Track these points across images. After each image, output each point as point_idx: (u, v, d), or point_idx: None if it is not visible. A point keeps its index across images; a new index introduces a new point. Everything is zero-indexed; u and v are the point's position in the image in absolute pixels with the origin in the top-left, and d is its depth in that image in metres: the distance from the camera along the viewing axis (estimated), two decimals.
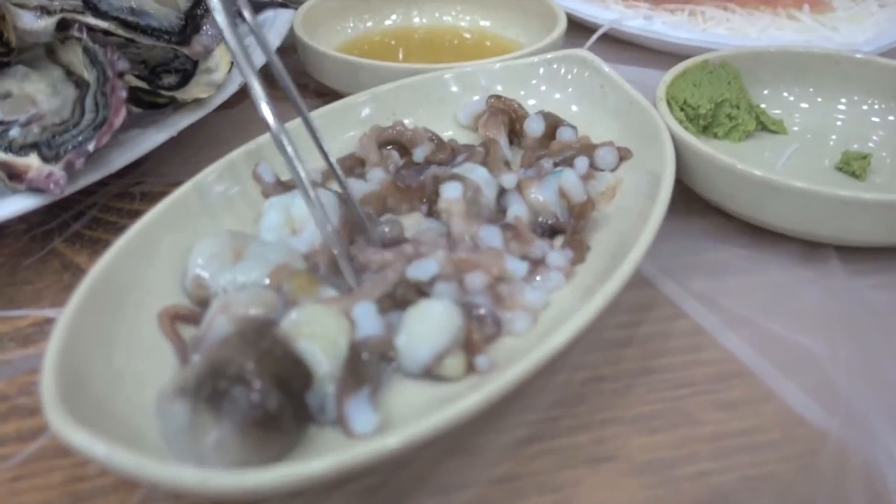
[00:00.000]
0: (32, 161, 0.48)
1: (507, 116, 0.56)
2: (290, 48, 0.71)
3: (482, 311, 0.40)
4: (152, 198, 0.57)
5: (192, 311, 0.41)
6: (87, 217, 0.56)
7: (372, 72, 0.64)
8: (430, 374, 0.38)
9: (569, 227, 0.47)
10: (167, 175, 0.59)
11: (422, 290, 0.41)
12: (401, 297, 0.41)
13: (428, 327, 0.37)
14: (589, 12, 0.76)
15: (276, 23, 0.72)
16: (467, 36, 0.80)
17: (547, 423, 0.40)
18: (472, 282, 0.41)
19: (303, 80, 0.74)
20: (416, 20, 0.82)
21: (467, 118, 0.57)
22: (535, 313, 0.41)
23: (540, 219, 0.48)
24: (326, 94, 0.70)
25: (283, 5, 0.76)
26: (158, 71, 0.59)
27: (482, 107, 0.57)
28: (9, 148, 0.48)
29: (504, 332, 0.41)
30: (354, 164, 0.53)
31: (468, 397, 0.32)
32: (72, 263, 0.52)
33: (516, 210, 0.47)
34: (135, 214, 0.56)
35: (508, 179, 0.48)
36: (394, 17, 0.81)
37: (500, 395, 0.33)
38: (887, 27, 0.70)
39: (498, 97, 0.56)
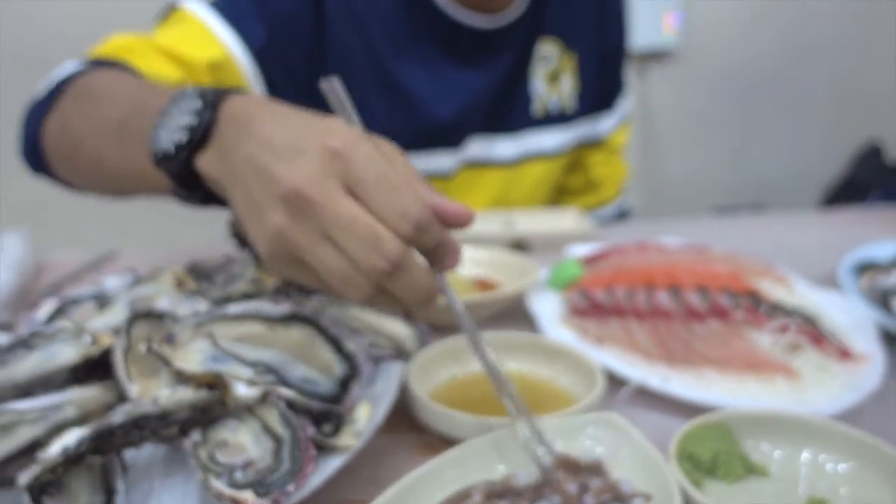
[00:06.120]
0: (248, 497, 0.73)
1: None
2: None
3: None
4: None
5: None
6: None
7: (456, 422, 0.89)
8: None
9: None
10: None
11: None
12: None
13: None
14: (618, 368, 1.03)
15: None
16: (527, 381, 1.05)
17: None
18: None
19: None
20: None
21: None
22: None
23: None
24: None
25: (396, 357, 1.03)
26: (319, 420, 0.85)
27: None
28: (235, 485, 0.73)
29: None
30: None
31: None
32: None
33: None
34: None
35: None
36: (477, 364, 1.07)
37: None
38: (845, 393, 0.95)
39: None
